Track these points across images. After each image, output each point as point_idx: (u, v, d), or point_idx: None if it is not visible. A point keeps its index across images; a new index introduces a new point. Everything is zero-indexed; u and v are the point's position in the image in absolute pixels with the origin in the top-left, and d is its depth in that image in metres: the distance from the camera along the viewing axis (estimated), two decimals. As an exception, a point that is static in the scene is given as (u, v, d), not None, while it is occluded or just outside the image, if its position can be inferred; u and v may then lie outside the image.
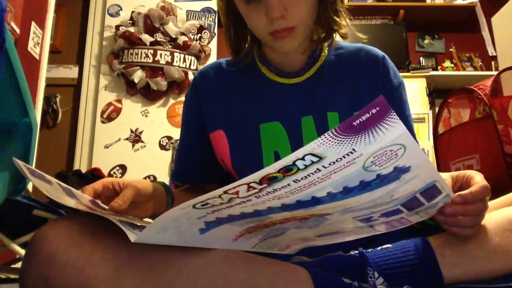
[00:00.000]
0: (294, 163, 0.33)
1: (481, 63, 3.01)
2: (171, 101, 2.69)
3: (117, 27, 2.68)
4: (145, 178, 2.56)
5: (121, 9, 2.78)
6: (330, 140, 0.32)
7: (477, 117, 1.54)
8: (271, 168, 0.34)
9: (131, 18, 2.68)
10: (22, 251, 1.24)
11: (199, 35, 2.72)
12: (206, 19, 2.81)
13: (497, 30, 2.45)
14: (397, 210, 0.47)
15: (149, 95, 2.65)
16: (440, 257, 0.52)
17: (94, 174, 1.91)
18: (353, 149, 0.34)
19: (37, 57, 2.04)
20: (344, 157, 0.34)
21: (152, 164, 2.60)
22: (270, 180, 0.35)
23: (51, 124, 2.81)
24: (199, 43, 2.68)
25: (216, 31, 2.79)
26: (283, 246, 0.56)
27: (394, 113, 0.33)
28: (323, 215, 0.45)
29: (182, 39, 2.63)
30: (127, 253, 0.43)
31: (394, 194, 0.42)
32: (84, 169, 2.49)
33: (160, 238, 0.40)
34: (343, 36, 0.76)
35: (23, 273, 0.44)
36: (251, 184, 0.35)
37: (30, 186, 1.71)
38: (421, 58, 3.03)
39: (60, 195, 0.46)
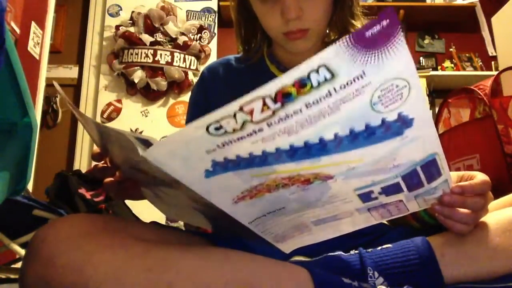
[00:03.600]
0: (308, 77, 0.35)
1: (481, 63, 3.01)
2: (171, 101, 2.69)
3: (117, 27, 2.68)
4: (145, 178, 2.55)
5: (121, 9, 2.78)
6: (343, 51, 0.34)
7: (477, 117, 1.54)
8: (287, 78, 0.36)
9: (131, 18, 2.68)
10: (22, 251, 1.24)
11: (199, 35, 2.72)
12: (206, 19, 2.81)
13: (497, 30, 2.44)
14: (397, 184, 0.47)
15: (149, 95, 2.65)
16: (440, 257, 0.51)
17: (94, 174, 1.91)
18: (363, 72, 0.36)
19: (37, 57, 2.04)
20: (354, 80, 0.36)
21: (152, 164, 2.60)
22: (284, 97, 0.37)
23: (51, 124, 2.81)
24: (199, 43, 2.68)
25: (216, 31, 2.79)
26: (280, 235, 0.55)
27: (401, 31, 0.34)
28: (327, 179, 0.45)
29: (182, 39, 2.63)
30: (127, 254, 0.43)
31: (396, 157, 0.43)
32: (84, 169, 2.49)
33: (167, 162, 0.39)
34: None
35: (23, 275, 0.44)
36: (266, 101, 0.37)
37: (30, 186, 1.71)
38: (421, 58, 3.03)
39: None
